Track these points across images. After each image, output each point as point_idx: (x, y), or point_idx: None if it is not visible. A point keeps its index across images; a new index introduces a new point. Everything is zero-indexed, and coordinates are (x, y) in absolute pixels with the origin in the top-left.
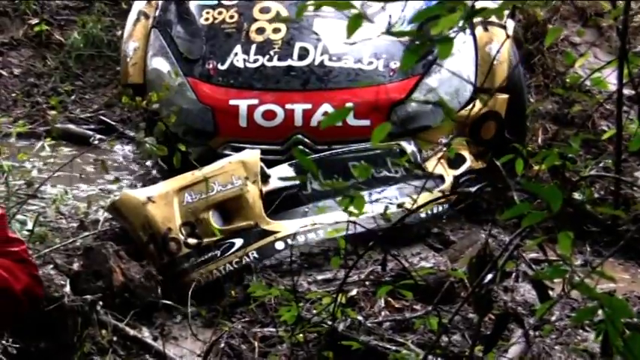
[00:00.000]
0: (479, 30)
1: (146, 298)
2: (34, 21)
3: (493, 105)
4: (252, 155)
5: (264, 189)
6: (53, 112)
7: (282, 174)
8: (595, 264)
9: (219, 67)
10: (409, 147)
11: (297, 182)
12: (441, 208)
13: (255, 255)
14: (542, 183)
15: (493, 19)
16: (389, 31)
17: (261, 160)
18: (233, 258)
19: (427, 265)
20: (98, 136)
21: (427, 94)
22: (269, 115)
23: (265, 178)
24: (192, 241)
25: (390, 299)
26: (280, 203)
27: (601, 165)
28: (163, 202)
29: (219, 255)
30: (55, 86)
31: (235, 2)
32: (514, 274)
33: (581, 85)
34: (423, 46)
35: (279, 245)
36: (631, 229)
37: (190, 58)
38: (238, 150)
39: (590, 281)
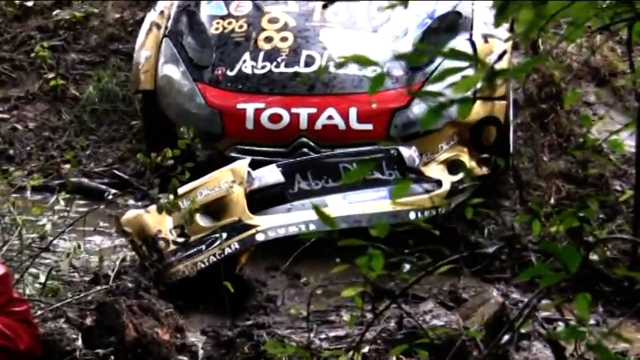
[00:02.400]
0: (479, 42)
1: (159, 354)
2: (50, 75)
3: (492, 110)
4: (241, 164)
5: (249, 189)
6: (67, 166)
7: (268, 173)
8: (608, 323)
9: (228, 73)
10: (407, 151)
11: (282, 181)
12: (434, 212)
13: (237, 246)
14: (556, 242)
15: (493, 32)
16: (412, 92)
17: (265, 163)
18: (217, 250)
19: (439, 323)
20: (112, 191)
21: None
22: (275, 118)
23: (251, 179)
24: (179, 239)
25: (402, 357)
26: (267, 201)
27: (616, 224)
28: (160, 214)
29: (204, 249)
30: (69, 140)
31: (244, 13)
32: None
33: (598, 146)
34: (444, 107)
35: (260, 237)
36: None
37: (200, 65)
38: (245, 152)
39: (606, 342)
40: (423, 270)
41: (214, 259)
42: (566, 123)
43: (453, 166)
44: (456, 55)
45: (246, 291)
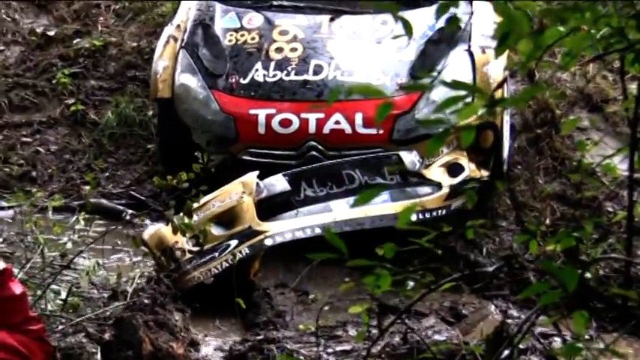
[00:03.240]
0: (477, 52)
1: None
2: (71, 101)
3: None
4: (250, 176)
5: (257, 198)
6: (87, 188)
7: (275, 182)
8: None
9: (241, 81)
10: (409, 156)
11: (289, 189)
12: (435, 214)
13: (247, 251)
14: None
15: (490, 44)
16: (419, 120)
17: (276, 165)
18: (229, 256)
19: (441, 338)
20: (129, 212)
21: (429, 107)
22: (285, 122)
23: (259, 189)
24: (194, 248)
25: None
26: (275, 208)
27: (608, 243)
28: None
29: (217, 255)
30: (89, 163)
31: (256, 26)
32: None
33: (592, 169)
34: (447, 134)
35: (268, 242)
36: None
37: (215, 74)
38: (257, 155)
39: (602, 357)
40: (426, 287)
41: (227, 264)
42: (561, 147)
43: (453, 168)
44: (457, 86)
45: (257, 305)
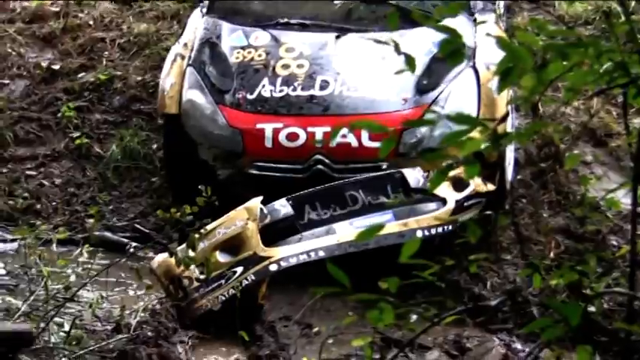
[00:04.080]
0: (482, 69)
1: None
2: (75, 134)
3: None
4: (254, 202)
5: (261, 224)
6: (91, 221)
7: (279, 207)
8: None
9: (248, 96)
10: (412, 173)
11: (292, 214)
12: (440, 230)
13: (253, 277)
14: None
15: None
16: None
17: (283, 179)
18: (235, 283)
19: None
20: (133, 244)
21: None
22: (292, 136)
23: (263, 215)
24: (202, 276)
25: None
26: (279, 233)
27: (611, 277)
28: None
29: (224, 283)
30: (93, 196)
31: (263, 44)
32: None
33: (596, 203)
34: (450, 168)
35: (273, 267)
36: None
37: (222, 90)
38: (264, 169)
39: None
40: (429, 321)
41: (233, 291)
42: (565, 181)
43: (458, 183)
44: (461, 120)
45: (260, 338)
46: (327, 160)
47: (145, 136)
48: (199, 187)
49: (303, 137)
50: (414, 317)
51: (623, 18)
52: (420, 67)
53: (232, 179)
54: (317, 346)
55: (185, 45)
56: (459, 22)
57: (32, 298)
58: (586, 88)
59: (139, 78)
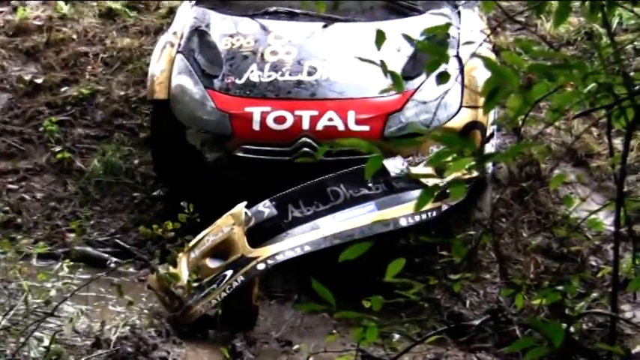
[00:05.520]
0: (465, 58)
1: None
2: (57, 148)
3: (476, 116)
4: (238, 207)
5: (247, 227)
6: (72, 235)
7: (263, 209)
8: None
9: (237, 81)
10: (392, 162)
11: (275, 214)
12: (424, 217)
13: (242, 278)
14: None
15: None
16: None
17: (270, 162)
18: (226, 286)
19: None
20: (114, 260)
21: (419, 106)
22: (280, 119)
23: (248, 218)
24: (194, 284)
25: None
26: (265, 234)
27: (592, 298)
28: (177, 265)
29: (215, 287)
30: (74, 210)
31: (252, 32)
32: None
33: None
34: (437, 188)
35: (261, 266)
36: None
37: (211, 75)
38: (251, 151)
39: None
40: (411, 339)
41: (225, 294)
42: (546, 201)
43: (441, 169)
44: (448, 140)
45: (241, 355)
46: (313, 143)
47: (127, 151)
48: (182, 203)
49: (290, 120)
50: (397, 336)
51: (605, 39)
52: (405, 55)
53: (220, 162)
54: None
55: (174, 33)
56: (442, 14)
57: (12, 312)
58: (569, 108)
59: (122, 93)
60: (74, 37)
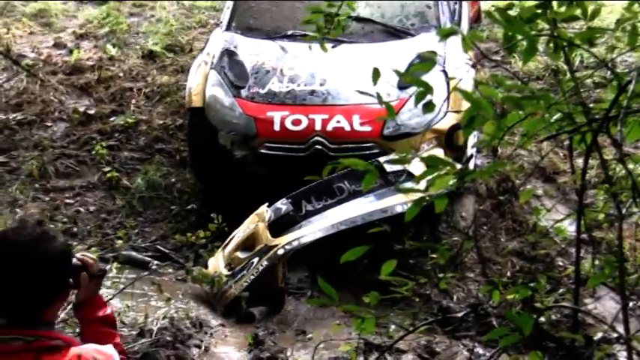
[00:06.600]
0: (450, 73)
1: None
2: (107, 169)
3: (460, 119)
4: (261, 208)
5: (268, 222)
6: (120, 242)
7: (281, 206)
8: None
9: (260, 91)
10: (388, 159)
11: (292, 209)
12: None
13: (266, 263)
14: (512, 307)
15: (460, 67)
16: (399, 189)
17: (288, 157)
18: (253, 271)
19: None
20: (155, 262)
21: (412, 111)
22: (296, 122)
23: (269, 214)
24: (228, 272)
25: None
26: (283, 226)
27: (559, 293)
28: (215, 259)
29: (245, 273)
30: (121, 221)
31: (273, 51)
32: None
33: (546, 230)
34: (423, 200)
35: (281, 251)
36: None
37: (239, 86)
38: (273, 148)
39: None
40: (405, 329)
41: (252, 277)
42: (519, 211)
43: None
44: (434, 161)
45: (262, 342)
46: (324, 141)
47: (165, 171)
48: (212, 215)
49: (305, 122)
50: (393, 326)
51: (568, 75)
52: (400, 69)
53: (246, 158)
54: (310, 350)
55: (208, 54)
56: (431, 37)
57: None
58: (538, 133)
59: (161, 121)
60: (121, 74)
